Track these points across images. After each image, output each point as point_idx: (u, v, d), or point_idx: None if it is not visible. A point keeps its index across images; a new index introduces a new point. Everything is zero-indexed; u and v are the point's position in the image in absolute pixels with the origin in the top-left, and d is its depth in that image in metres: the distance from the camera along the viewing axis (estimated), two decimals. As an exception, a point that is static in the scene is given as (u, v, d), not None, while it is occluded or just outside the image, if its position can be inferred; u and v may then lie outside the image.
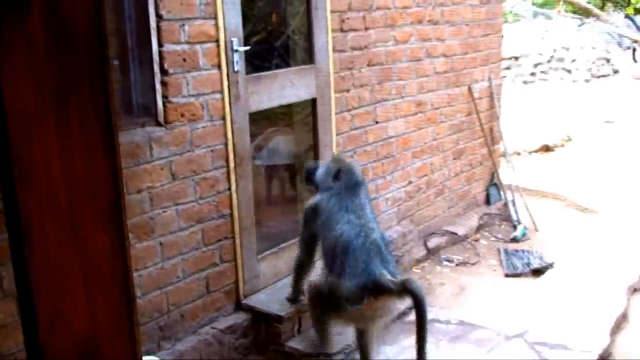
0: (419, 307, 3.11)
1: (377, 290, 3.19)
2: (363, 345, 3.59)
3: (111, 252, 1.23)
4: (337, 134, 4.48)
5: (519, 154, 8.77)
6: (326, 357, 3.67)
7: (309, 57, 4.22)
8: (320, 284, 3.47)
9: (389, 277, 3.20)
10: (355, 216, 3.41)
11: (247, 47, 3.71)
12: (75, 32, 1.19)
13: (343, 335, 3.86)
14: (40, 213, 1.14)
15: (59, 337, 1.17)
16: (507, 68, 13.81)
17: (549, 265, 5.21)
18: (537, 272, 5.16)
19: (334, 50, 4.36)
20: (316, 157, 4.28)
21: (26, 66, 1.16)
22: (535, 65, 14.24)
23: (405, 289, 3.16)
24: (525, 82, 13.96)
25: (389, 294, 3.22)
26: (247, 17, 3.87)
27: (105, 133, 1.17)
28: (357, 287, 3.19)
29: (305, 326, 3.89)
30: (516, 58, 14.26)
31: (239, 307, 3.87)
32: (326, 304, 3.41)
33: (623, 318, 4.39)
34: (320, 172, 3.68)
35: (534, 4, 18.31)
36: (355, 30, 4.53)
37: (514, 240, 5.83)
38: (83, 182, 1.17)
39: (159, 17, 3.28)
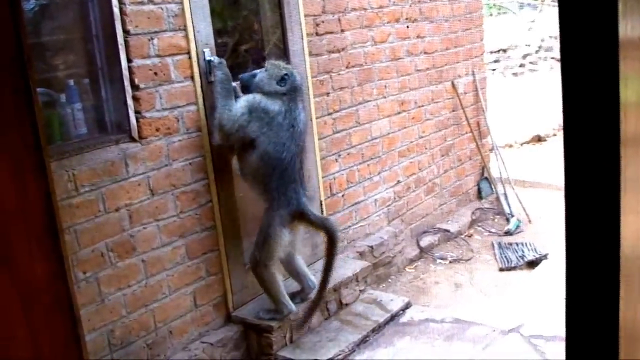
0: (332, 242, 3.69)
1: (302, 218, 3.68)
2: (298, 269, 3.93)
3: (50, 278, 1.18)
4: (320, 138, 4.43)
5: (510, 146, 8.72)
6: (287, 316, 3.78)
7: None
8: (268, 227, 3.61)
9: (311, 210, 3.74)
10: (296, 134, 3.56)
11: (220, 59, 3.64)
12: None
13: (335, 341, 3.81)
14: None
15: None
16: (496, 61, 13.76)
17: (544, 257, 5.16)
18: (532, 264, 5.11)
19: (311, 54, 4.31)
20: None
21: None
22: (524, 57, 14.17)
23: (323, 226, 3.72)
24: (514, 74, 13.90)
25: (309, 224, 3.75)
26: (218, 27, 3.82)
27: (34, 157, 1.12)
28: (289, 214, 3.60)
29: (297, 335, 3.83)
30: (504, 50, 14.20)
31: (228, 319, 3.82)
32: (266, 244, 3.60)
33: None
34: (261, 76, 3.63)
35: (519, -5, 18.26)
36: (331, 33, 4.49)
37: (508, 233, 5.78)
38: (12, 208, 1.12)
39: (126, 32, 3.23)
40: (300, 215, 3.66)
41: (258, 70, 3.71)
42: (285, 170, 3.56)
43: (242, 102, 3.54)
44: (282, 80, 3.59)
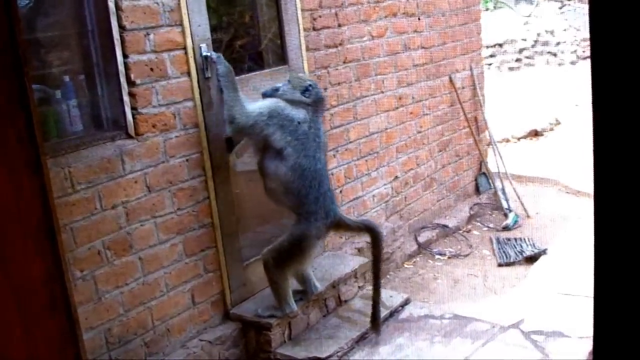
0: (377, 240, 3.73)
1: (340, 226, 3.71)
2: (304, 272, 3.88)
3: (47, 277, 1.16)
4: (317, 134, 4.40)
5: (507, 140, 8.70)
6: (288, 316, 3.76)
7: (282, 58, 4.15)
8: (292, 236, 3.58)
9: (346, 216, 3.81)
10: (322, 143, 3.58)
11: (218, 53, 3.61)
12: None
13: (334, 338, 3.79)
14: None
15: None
16: (492, 56, 13.74)
17: (542, 252, 5.14)
18: (531, 260, 5.09)
19: (308, 49, 4.29)
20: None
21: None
22: (520, 51, 14.16)
23: (365, 228, 3.77)
24: (511, 69, 13.88)
25: (348, 230, 3.86)
26: (214, 22, 3.79)
27: (30, 154, 1.10)
28: (325, 226, 3.60)
29: (296, 332, 3.82)
30: (500, 45, 14.17)
31: (227, 317, 3.79)
32: (293, 253, 3.58)
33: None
34: (284, 88, 3.60)
35: (515, -10, 18.22)
36: (328, 27, 4.46)
37: (506, 228, 5.76)
38: (7, 206, 1.09)
39: (122, 28, 3.20)
40: (338, 224, 3.66)
41: (280, 84, 3.68)
42: (321, 182, 3.53)
43: (263, 103, 3.53)
44: (306, 90, 3.56)
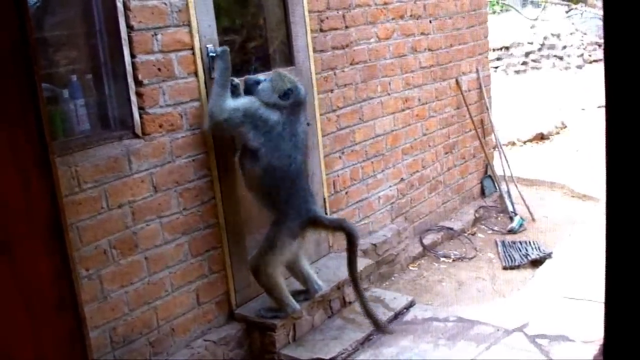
0: (352, 240, 3.66)
1: (316, 225, 3.68)
2: (303, 271, 3.89)
3: (55, 276, 1.16)
4: (323, 135, 4.40)
5: (513, 143, 8.69)
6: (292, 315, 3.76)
7: (289, 59, 4.15)
8: (268, 242, 3.59)
9: (323, 214, 3.82)
10: (299, 143, 3.55)
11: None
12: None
13: (339, 339, 3.79)
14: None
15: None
16: (499, 59, 13.72)
17: (547, 256, 5.13)
18: (536, 263, 5.08)
19: (315, 50, 4.29)
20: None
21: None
22: (527, 54, 14.14)
23: (340, 227, 3.72)
24: (517, 72, 13.86)
25: (324, 229, 3.81)
26: (222, 24, 3.79)
27: (39, 153, 1.10)
28: (299, 226, 3.59)
29: (300, 333, 3.81)
30: (507, 48, 14.16)
31: (231, 317, 3.79)
32: (271, 254, 3.57)
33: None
34: (264, 86, 3.60)
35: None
36: (335, 29, 4.46)
37: (511, 231, 5.75)
38: (16, 205, 1.09)
39: (129, 28, 3.20)
40: (314, 223, 3.66)
41: (263, 77, 3.68)
42: (294, 182, 3.55)
43: (240, 101, 3.52)
44: (285, 95, 3.55)
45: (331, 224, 3.80)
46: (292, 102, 3.56)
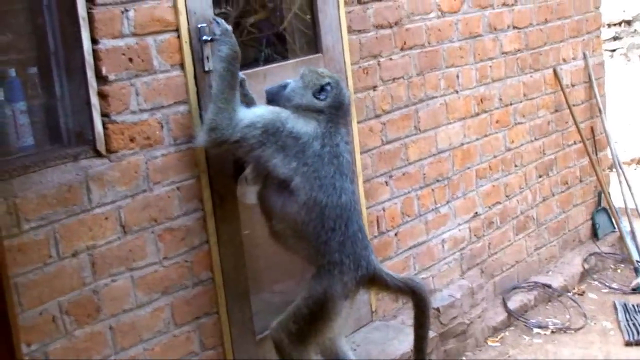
0: (423, 310, 3.72)
1: (374, 283, 3.72)
2: (336, 348, 3.93)
3: None
4: (362, 152, 4.46)
5: (639, 162, 8.67)
6: None
7: (314, 44, 4.22)
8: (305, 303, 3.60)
9: (384, 269, 3.77)
10: (344, 167, 3.59)
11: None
12: None
13: None
14: None
15: None
16: (617, 38, 13.70)
17: (691, 325, 5.12)
18: (674, 337, 5.07)
19: (350, 31, 4.36)
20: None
21: None
22: (657, 31, 14.10)
23: (408, 289, 3.72)
24: (643, 57, 13.83)
25: (385, 289, 3.82)
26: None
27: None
28: (355, 280, 3.62)
29: None
30: (629, 23, 14.13)
31: (232, 413, 3.84)
32: (314, 321, 3.59)
33: None
34: (293, 86, 3.67)
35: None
36: (379, 0, 4.53)
37: (637, 290, 5.73)
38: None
39: (90, 1, 3.28)
40: (373, 279, 3.68)
41: (290, 80, 3.75)
42: (349, 220, 3.58)
43: (257, 111, 3.57)
44: (321, 90, 3.61)
45: (395, 283, 3.76)
46: (331, 104, 3.61)
